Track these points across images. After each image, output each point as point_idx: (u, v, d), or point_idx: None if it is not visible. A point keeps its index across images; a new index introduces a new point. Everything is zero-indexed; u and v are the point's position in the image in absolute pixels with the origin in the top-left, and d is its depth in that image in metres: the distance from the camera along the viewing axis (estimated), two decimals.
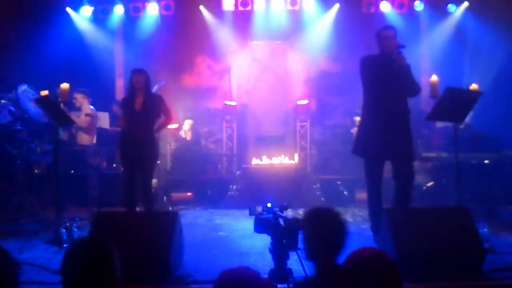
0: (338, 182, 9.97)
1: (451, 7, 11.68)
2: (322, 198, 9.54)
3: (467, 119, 7.48)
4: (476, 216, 5.58)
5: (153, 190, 7.02)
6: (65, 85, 6.75)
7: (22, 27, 10.74)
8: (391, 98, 5.96)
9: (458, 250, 5.00)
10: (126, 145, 6.74)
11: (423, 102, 9.79)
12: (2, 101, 8.27)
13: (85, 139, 9.32)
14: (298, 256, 3.62)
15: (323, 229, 3.14)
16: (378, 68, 5.98)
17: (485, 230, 5.96)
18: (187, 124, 11.41)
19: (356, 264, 2.29)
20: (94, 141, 9.49)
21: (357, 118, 10.18)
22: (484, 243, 5.34)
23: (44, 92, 7.05)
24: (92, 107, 9.41)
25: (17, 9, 10.48)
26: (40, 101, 7.01)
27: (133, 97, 6.79)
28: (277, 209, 3.67)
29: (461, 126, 7.72)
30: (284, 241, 3.44)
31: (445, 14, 11.74)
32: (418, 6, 11.70)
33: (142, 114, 6.68)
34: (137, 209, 6.97)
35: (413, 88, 6.09)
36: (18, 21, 10.64)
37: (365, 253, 2.33)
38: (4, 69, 9.42)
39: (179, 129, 11.26)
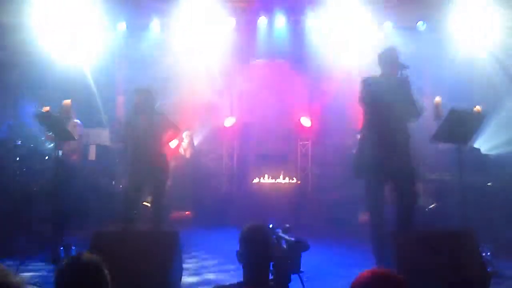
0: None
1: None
2: (324, 219, 9.45)
3: (471, 142, 7.43)
4: (480, 240, 5.50)
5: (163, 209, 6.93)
6: (67, 102, 6.75)
7: (24, 43, 10.73)
8: (392, 119, 5.91)
9: (462, 274, 4.92)
10: (135, 164, 6.68)
11: (427, 123, 9.74)
12: (3, 116, 8.22)
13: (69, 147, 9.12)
14: (301, 278, 3.56)
15: (252, 242, 3.30)
16: (379, 89, 5.94)
17: (489, 253, 5.89)
18: (186, 137, 11.33)
19: (367, 284, 2.25)
20: (89, 157, 9.40)
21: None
22: (488, 267, 5.27)
23: (46, 108, 7.02)
24: (77, 121, 9.22)
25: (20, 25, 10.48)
26: (42, 116, 6.96)
27: (137, 116, 6.75)
28: (279, 230, 3.62)
29: (465, 148, 7.67)
30: (288, 262, 3.41)
31: (448, 34, 11.75)
32: (421, 26, 11.72)
33: (147, 133, 6.64)
34: (135, 226, 6.89)
35: (414, 111, 6.04)
36: (20, 37, 10.63)
37: (376, 273, 2.28)
38: (5, 85, 9.40)
39: (178, 146, 11.20)
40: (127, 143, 6.90)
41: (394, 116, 5.91)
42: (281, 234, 3.62)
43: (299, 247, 3.46)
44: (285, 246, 3.52)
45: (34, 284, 5.34)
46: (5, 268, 2.20)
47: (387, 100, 5.86)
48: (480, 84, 10.62)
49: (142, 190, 6.78)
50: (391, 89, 5.88)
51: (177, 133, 7.10)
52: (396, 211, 6.01)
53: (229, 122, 11.79)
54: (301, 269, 3.56)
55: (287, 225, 3.75)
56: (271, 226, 3.66)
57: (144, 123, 6.68)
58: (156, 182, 6.71)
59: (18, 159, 8.12)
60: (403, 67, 5.90)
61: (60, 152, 8.39)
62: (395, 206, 6.05)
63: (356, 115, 6.36)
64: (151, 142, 6.65)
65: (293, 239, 3.53)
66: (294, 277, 3.51)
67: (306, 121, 11.72)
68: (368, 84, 6.03)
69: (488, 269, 5.22)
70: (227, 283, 3.36)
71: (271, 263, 3.39)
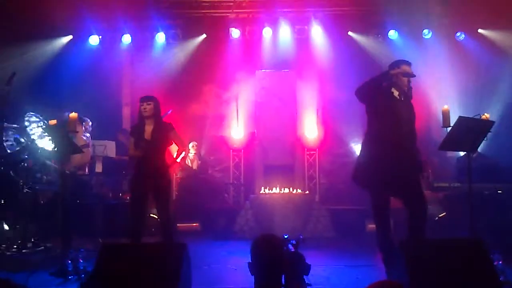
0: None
1: (460, 35, 11.70)
2: (332, 229, 9.40)
3: (479, 149, 7.37)
4: (490, 248, 5.43)
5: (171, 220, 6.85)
6: (73, 115, 6.72)
7: (31, 56, 10.78)
8: (399, 130, 5.84)
9: (473, 283, 4.85)
10: (138, 174, 6.63)
11: (434, 131, 9.70)
12: (10, 130, 8.23)
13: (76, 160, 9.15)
14: None
15: (263, 253, 3.35)
16: (386, 99, 5.88)
17: (500, 262, 5.81)
18: (192, 147, 11.32)
19: None
20: (96, 169, 9.39)
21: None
22: (500, 275, 5.19)
23: (53, 121, 7.01)
24: (88, 135, 9.27)
25: (25, 37, 10.53)
26: (48, 130, 6.95)
27: (143, 126, 6.70)
28: (294, 241, 3.61)
29: (474, 156, 7.61)
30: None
31: (454, 42, 11.74)
32: (427, 34, 11.72)
33: (152, 142, 6.59)
34: (142, 240, 6.84)
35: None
36: (27, 50, 10.69)
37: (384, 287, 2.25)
38: (12, 98, 9.41)
39: (184, 157, 11.19)
40: (131, 154, 6.82)
41: (402, 125, 5.85)
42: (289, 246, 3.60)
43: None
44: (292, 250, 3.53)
45: None
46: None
47: (394, 109, 5.81)
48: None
49: (147, 199, 6.71)
50: (400, 102, 5.84)
51: (181, 150, 6.98)
52: (408, 223, 5.92)
53: (235, 132, 11.77)
54: (308, 283, 3.53)
55: (301, 237, 3.75)
56: (286, 237, 3.65)
57: (148, 132, 6.64)
58: (159, 195, 6.63)
59: (25, 172, 8.11)
60: (412, 76, 5.86)
61: (67, 166, 8.45)
62: (406, 216, 5.95)
63: (363, 124, 6.28)
64: (155, 151, 6.59)
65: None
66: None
67: (313, 131, 11.69)
68: (376, 95, 5.97)
69: (500, 278, 5.14)
70: None
71: (283, 275, 3.37)
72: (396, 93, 5.86)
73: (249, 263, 3.33)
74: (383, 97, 5.89)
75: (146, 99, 6.76)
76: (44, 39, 11.09)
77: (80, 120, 8.97)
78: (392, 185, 5.79)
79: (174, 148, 7.08)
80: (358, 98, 5.90)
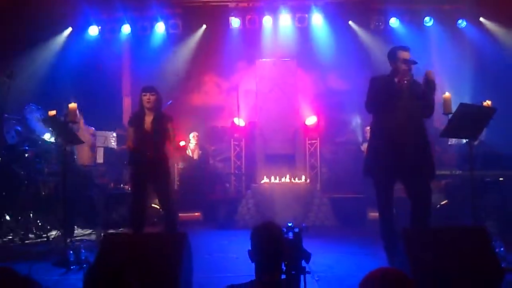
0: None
1: (461, 22, 11.64)
2: (333, 217, 9.41)
3: (481, 136, 7.35)
4: (492, 235, 5.43)
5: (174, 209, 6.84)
6: (73, 105, 6.70)
7: (30, 48, 10.75)
8: (403, 118, 5.81)
9: (475, 270, 4.84)
10: (138, 165, 6.61)
11: (436, 119, 9.67)
12: (10, 122, 8.23)
13: (85, 158, 9.21)
14: (304, 279, 3.53)
15: (263, 240, 3.34)
16: (389, 88, 5.84)
17: (502, 249, 5.81)
18: (193, 137, 11.31)
19: (376, 284, 2.21)
20: (97, 160, 9.41)
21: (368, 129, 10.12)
22: (502, 262, 5.19)
23: (52, 112, 7.00)
24: (92, 129, 9.31)
25: (25, 29, 10.49)
26: (48, 121, 6.95)
27: (143, 116, 6.67)
28: (297, 229, 3.61)
29: (475, 143, 7.59)
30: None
31: (456, 29, 11.69)
32: (428, 22, 11.66)
33: (152, 133, 6.57)
34: (144, 230, 6.85)
35: (427, 109, 5.94)
36: (27, 41, 10.65)
37: (385, 274, 2.24)
38: (12, 90, 9.40)
39: (185, 148, 11.18)
40: (130, 144, 6.79)
41: (406, 113, 5.81)
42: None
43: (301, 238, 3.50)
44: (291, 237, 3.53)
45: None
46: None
47: (398, 97, 5.78)
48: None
49: (147, 189, 6.70)
50: (401, 87, 5.80)
51: (171, 143, 6.87)
52: (411, 211, 5.92)
53: (236, 122, 11.76)
54: (307, 270, 3.53)
55: (304, 225, 3.75)
56: (290, 224, 3.65)
57: (148, 123, 6.61)
58: (159, 185, 6.62)
59: (26, 163, 8.12)
60: (413, 63, 5.82)
61: (74, 157, 8.49)
62: (410, 205, 5.94)
63: (365, 113, 6.26)
64: (153, 143, 6.56)
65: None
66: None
67: (314, 120, 11.67)
68: (376, 84, 5.95)
69: (502, 265, 5.14)
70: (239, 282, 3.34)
71: (283, 263, 3.37)
72: (398, 82, 5.81)
73: (249, 250, 3.33)
74: (386, 88, 5.85)
75: (150, 89, 6.69)
76: (43, 31, 11.03)
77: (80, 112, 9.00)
78: (396, 172, 5.78)
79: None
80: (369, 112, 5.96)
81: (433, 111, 5.99)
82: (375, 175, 5.97)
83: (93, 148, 9.38)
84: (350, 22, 12.07)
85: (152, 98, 6.62)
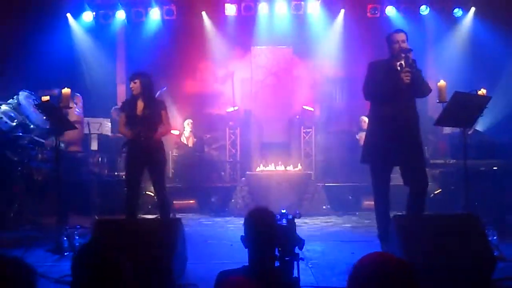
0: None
1: (457, 11, 11.62)
2: (328, 206, 9.43)
3: (475, 125, 7.35)
4: (485, 224, 5.44)
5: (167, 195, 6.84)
6: (66, 90, 6.67)
7: (24, 33, 10.67)
8: (399, 103, 5.79)
9: (468, 258, 4.86)
10: (132, 151, 6.61)
11: (430, 108, 9.68)
12: (3, 107, 8.17)
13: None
14: (298, 266, 3.53)
15: (256, 225, 3.31)
16: (386, 72, 5.81)
17: (494, 238, 5.83)
18: (187, 125, 11.27)
19: (371, 269, 2.17)
20: (91, 147, 9.37)
21: (364, 118, 10.10)
22: (494, 251, 5.21)
23: (45, 98, 6.96)
24: (78, 110, 9.20)
25: (19, 15, 10.41)
26: (41, 106, 6.90)
27: (134, 102, 6.65)
28: (291, 216, 3.62)
29: (470, 132, 7.59)
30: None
31: (452, 18, 11.67)
32: (424, 10, 11.63)
33: (144, 119, 6.55)
34: (138, 216, 6.85)
35: (423, 90, 5.89)
36: (20, 27, 10.57)
37: (382, 258, 2.20)
38: (6, 75, 9.34)
39: (180, 135, 11.16)
40: (122, 130, 6.78)
41: (402, 99, 5.78)
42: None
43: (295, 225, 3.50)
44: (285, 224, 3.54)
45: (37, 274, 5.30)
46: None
47: (393, 83, 5.74)
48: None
49: (142, 176, 6.70)
50: (398, 72, 5.75)
51: (165, 131, 6.87)
52: (407, 198, 5.91)
53: (231, 109, 11.72)
54: (301, 257, 3.54)
55: (298, 212, 3.76)
56: (284, 211, 3.66)
57: (139, 109, 6.59)
58: (154, 171, 6.63)
59: (20, 150, 8.08)
60: (408, 50, 5.78)
61: (61, 143, 8.42)
62: (408, 191, 5.93)
63: (361, 101, 6.24)
64: (146, 129, 6.54)
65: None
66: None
67: (309, 108, 11.66)
68: (374, 68, 5.92)
69: (495, 253, 5.16)
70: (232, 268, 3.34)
71: (276, 249, 3.37)
72: (398, 66, 5.75)
73: (242, 236, 3.33)
74: (384, 71, 5.81)
75: (132, 77, 6.71)
76: (37, 17, 10.93)
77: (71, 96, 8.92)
78: (394, 157, 5.76)
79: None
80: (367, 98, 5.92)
81: (430, 88, 5.92)
82: (373, 162, 5.95)
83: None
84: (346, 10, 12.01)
85: (135, 85, 6.61)
